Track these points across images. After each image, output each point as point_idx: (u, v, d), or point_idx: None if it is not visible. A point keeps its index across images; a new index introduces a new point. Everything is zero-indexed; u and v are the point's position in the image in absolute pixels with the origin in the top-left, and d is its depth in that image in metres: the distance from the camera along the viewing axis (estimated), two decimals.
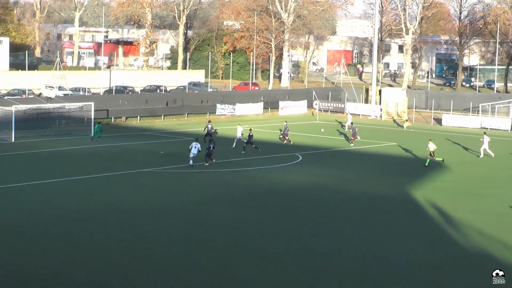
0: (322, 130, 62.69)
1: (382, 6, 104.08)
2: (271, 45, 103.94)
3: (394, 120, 73.71)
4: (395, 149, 53.71)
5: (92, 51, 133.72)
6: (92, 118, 56.94)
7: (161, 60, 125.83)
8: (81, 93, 75.61)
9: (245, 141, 49.63)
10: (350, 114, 67.57)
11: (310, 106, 79.43)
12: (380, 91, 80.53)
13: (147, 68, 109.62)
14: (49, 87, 76.20)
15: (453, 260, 26.06)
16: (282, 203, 34.77)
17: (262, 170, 43.49)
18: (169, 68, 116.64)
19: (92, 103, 58.05)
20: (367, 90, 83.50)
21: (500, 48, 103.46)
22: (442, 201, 35.33)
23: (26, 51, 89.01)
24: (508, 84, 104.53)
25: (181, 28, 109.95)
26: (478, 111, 72.86)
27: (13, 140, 51.37)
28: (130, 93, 77.95)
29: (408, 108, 74.71)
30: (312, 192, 37.12)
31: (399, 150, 53.11)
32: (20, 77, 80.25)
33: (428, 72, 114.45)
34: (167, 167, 43.12)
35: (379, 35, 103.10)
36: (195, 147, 42.58)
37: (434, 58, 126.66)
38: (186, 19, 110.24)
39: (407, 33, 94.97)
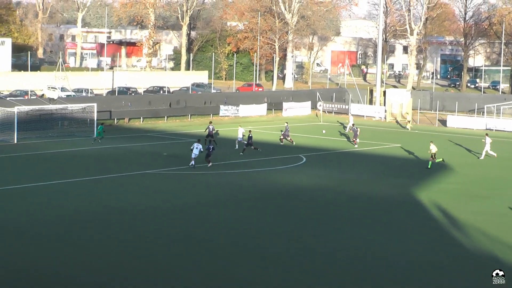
0: (324, 131, 62.46)
1: (386, 7, 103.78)
2: (274, 46, 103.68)
3: (397, 121, 73.38)
4: (399, 151, 53.52)
5: (94, 52, 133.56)
6: (95, 119, 56.85)
7: (164, 61, 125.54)
8: (84, 94, 75.50)
9: (245, 142, 49.31)
10: (352, 115, 67.29)
11: (314, 107, 79.19)
12: (384, 92, 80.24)
13: (150, 69, 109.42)
14: (52, 88, 76.16)
15: (453, 260, 25.99)
16: (283, 204, 34.65)
17: (266, 171, 43.39)
18: (172, 69, 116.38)
19: (95, 104, 57.93)
20: (371, 91, 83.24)
21: (506, 49, 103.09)
22: (445, 202, 35.18)
23: (29, 52, 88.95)
24: None
25: (184, 29, 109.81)
26: (483, 112, 72.56)
27: (15, 141, 51.29)
28: (133, 94, 77.85)
29: (412, 109, 74.38)
30: (315, 194, 37.01)
31: (403, 152, 52.91)
32: (22, 78, 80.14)
33: (433, 73, 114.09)
34: (170, 169, 42.99)
35: (384, 35, 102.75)
36: (196, 148, 42.70)
37: (439, 59, 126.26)
38: (189, 20, 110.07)
39: (411, 34, 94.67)
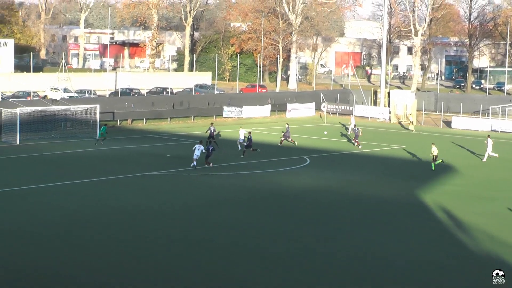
0: (325, 132, 62.16)
1: (391, 8, 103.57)
2: (278, 46, 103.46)
3: (400, 123, 72.95)
4: (404, 152, 53.25)
5: (97, 53, 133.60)
6: (98, 120, 56.71)
7: (168, 62, 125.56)
8: (87, 95, 75.46)
9: (246, 144, 49.00)
10: (353, 116, 66.99)
11: (318, 108, 78.96)
12: (389, 93, 79.92)
13: (153, 70, 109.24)
14: (54, 89, 76.01)
15: (453, 260, 25.95)
16: (285, 205, 34.55)
17: (269, 173, 43.24)
18: (175, 70, 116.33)
19: (98, 106, 57.80)
20: (375, 93, 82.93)
21: (511, 50, 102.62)
22: (449, 203, 35.06)
23: (31, 53, 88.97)
24: None
25: (188, 30, 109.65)
26: (488, 113, 72.19)
27: (18, 143, 51.14)
28: (136, 95, 77.78)
29: (417, 110, 74.07)
30: (318, 195, 36.89)
31: (408, 153, 52.65)
32: (25, 79, 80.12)
33: (437, 74, 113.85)
34: (173, 170, 42.85)
35: (388, 36, 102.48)
36: (198, 149, 42.84)
37: (443, 60, 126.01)
38: (192, 21, 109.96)
39: (416, 35, 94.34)
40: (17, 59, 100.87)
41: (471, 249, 27.50)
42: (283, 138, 54.36)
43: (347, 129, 64.67)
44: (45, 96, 72.36)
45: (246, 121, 68.69)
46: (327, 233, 29.26)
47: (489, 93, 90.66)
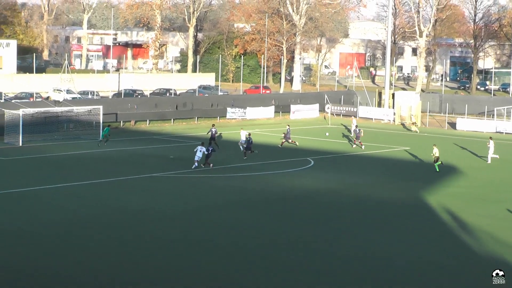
0: (327, 134, 61.96)
1: (395, 8, 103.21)
2: (282, 47, 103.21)
3: (403, 124, 72.56)
4: (408, 154, 53.06)
5: (100, 53, 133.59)
6: (101, 121, 56.67)
7: (171, 63, 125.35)
8: (90, 96, 75.40)
9: (245, 146, 48.73)
10: (354, 117, 66.73)
11: (322, 109, 78.76)
12: (393, 94, 79.68)
13: (156, 71, 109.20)
14: (57, 90, 76.00)
15: (453, 261, 25.91)
16: (287, 206, 34.46)
17: (273, 174, 43.13)
18: (178, 71, 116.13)
19: (101, 107, 57.77)
20: (380, 94, 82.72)
21: None
22: (453, 205, 34.92)
23: (34, 53, 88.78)
24: None
25: (191, 31, 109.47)
26: (493, 115, 71.83)
27: (20, 144, 51.02)
28: (139, 96, 77.72)
29: (422, 112, 73.70)
30: (321, 197, 36.77)
31: (412, 155, 52.38)
32: (27, 80, 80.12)
33: (442, 75, 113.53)
34: (176, 172, 42.72)
35: (393, 37, 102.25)
36: (200, 150, 43.00)
37: (448, 61, 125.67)
38: (196, 22, 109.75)
39: (420, 36, 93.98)
40: (19, 60, 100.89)
41: (472, 249, 27.45)
42: (283, 140, 54.12)
43: (349, 130, 64.44)
44: (48, 97, 72.29)
45: (249, 122, 68.57)
46: (327, 233, 29.21)
47: (494, 95, 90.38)
